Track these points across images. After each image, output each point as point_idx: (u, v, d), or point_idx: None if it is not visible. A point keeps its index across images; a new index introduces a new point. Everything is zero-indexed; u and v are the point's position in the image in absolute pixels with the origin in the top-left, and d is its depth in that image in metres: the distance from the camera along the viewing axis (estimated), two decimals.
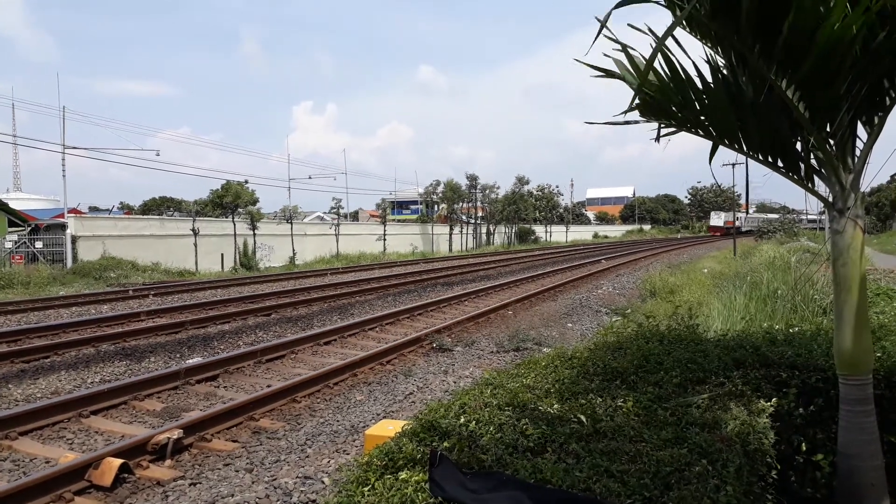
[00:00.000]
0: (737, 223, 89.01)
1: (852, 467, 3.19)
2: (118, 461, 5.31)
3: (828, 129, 3.19)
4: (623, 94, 3.40)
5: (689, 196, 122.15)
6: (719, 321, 8.46)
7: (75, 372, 9.06)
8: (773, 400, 3.44)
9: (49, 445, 6.19)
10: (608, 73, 3.37)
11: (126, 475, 5.34)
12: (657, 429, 2.90)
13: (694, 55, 3.28)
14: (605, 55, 3.36)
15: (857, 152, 3.26)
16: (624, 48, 3.24)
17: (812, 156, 3.33)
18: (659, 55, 3.13)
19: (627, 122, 3.49)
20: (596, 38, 2.58)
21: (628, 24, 2.53)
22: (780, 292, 9.62)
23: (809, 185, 3.40)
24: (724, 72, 3.36)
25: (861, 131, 3.28)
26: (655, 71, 3.22)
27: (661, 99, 3.30)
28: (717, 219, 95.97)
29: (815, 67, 2.83)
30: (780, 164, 3.39)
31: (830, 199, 3.25)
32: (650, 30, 3.19)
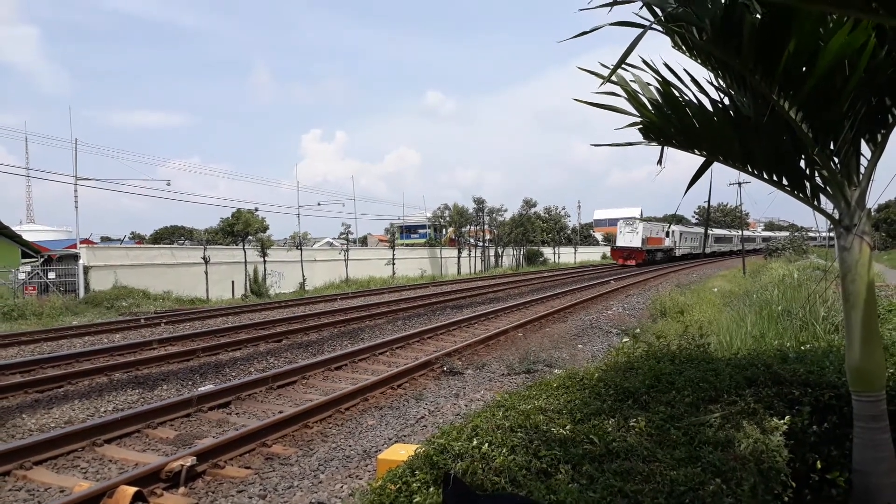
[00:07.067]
0: (667, 241, 59.22)
1: (868, 484, 3.17)
2: (132, 489, 5.31)
3: (831, 148, 3.23)
4: (627, 116, 3.47)
5: (697, 216, 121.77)
6: (730, 340, 8.42)
7: (88, 401, 9.10)
8: (787, 418, 3.43)
9: (63, 474, 6.21)
10: (608, 107, 3.43)
11: (140, 503, 5.34)
12: (670, 448, 2.91)
13: (693, 74, 3.34)
14: (608, 82, 3.42)
15: (862, 169, 3.30)
16: (621, 81, 3.31)
17: (816, 174, 3.36)
18: (656, 82, 3.20)
19: (631, 144, 3.55)
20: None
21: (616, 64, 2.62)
22: (790, 310, 9.57)
23: (815, 202, 3.42)
24: (725, 94, 3.42)
25: (865, 149, 3.31)
26: (657, 96, 3.28)
27: (662, 123, 3.35)
28: (630, 234, 55.47)
29: (816, 88, 2.87)
30: (784, 182, 3.42)
31: (837, 217, 3.28)
32: (644, 61, 3.27)
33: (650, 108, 3.34)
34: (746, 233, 58.32)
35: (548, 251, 68.46)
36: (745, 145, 3.32)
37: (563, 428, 3.16)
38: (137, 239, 66.57)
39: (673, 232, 61.48)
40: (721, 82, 3.37)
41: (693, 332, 6.29)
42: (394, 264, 45.27)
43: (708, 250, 68.15)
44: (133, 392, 9.66)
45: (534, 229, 61.89)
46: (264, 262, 34.13)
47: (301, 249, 39.15)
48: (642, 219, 61.42)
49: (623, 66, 3.25)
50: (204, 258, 30.74)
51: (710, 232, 68.13)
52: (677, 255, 62.65)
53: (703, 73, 3.36)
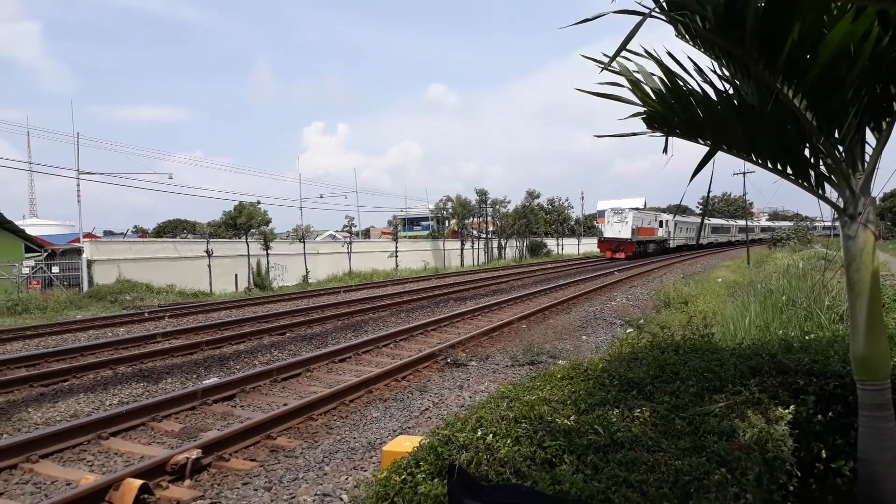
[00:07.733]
0: (660, 231, 55.24)
1: (873, 473, 3.16)
2: (138, 482, 5.34)
3: (836, 136, 3.21)
4: (631, 106, 3.46)
5: (700, 206, 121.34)
6: (734, 329, 8.41)
7: (94, 394, 9.14)
8: (791, 407, 3.43)
9: (69, 468, 6.24)
10: (611, 97, 3.42)
11: (146, 496, 5.37)
12: (675, 438, 2.91)
13: (697, 63, 3.32)
14: (610, 71, 3.40)
15: (867, 158, 3.28)
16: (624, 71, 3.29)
17: (821, 162, 3.35)
18: (660, 71, 3.18)
19: (634, 134, 3.53)
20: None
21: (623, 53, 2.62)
22: (794, 299, 9.55)
23: (820, 191, 3.41)
24: (729, 83, 3.39)
25: (870, 137, 3.29)
26: (661, 86, 3.26)
27: (665, 112, 3.33)
28: (619, 224, 50.16)
29: (820, 76, 2.85)
30: (789, 171, 3.40)
31: (841, 205, 3.26)
32: (645, 50, 3.25)
33: (654, 97, 3.32)
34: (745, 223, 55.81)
35: (551, 242, 68.38)
36: (750, 134, 3.30)
37: (568, 418, 3.16)
38: (140, 233, 66.70)
39: (666, 222, 57.04)
40: (725, 71, 3.34)
41: (697, 322, 6.29)
42: (397, 257, 45.29)
43: (704, 241, 64.55)
44: (138, 385, 9.70)
45: (537, 221, 61.82)
46: (267, 255, 34.18)
47: (304, 242, 39.19)
48: (644, 208, 55.26)
49: (626, 55, 3.24)
50: (207, 251, 30.78)
51: (706, 222, 62.03)
52: (671, 246, 58.76)
53: (706, 62, 3.34)
